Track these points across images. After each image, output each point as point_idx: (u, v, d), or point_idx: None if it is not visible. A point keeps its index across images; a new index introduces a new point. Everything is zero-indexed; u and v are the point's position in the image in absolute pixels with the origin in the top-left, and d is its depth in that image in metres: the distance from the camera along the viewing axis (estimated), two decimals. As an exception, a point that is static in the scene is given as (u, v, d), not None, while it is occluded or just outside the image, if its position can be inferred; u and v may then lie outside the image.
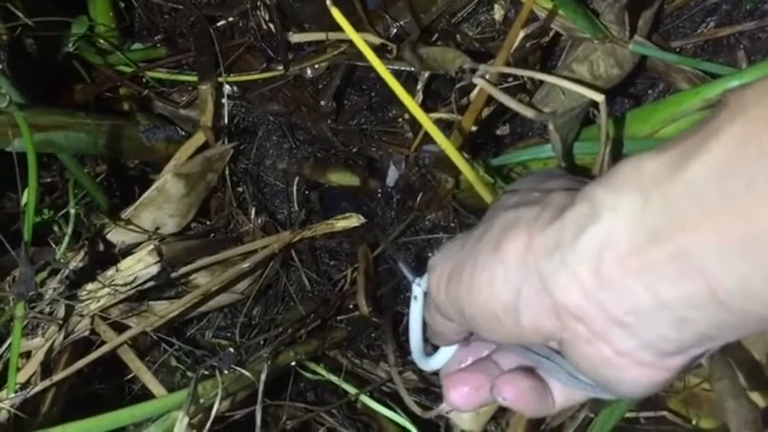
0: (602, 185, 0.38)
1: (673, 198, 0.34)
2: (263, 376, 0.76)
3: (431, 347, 0.58)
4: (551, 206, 0.42)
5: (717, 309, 0.34)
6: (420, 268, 0.56)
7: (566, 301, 0.39)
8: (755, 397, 0.69)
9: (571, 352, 0.42)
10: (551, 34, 0.86)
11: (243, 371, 0.75)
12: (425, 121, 0.73)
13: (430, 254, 0.97)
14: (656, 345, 0.38)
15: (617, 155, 0.80)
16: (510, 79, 0.83)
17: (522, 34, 0.83)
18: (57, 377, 0.74)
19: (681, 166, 0.34)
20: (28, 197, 0.73)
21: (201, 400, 0.72)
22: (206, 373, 0.75)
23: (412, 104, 0.72)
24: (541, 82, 0.84)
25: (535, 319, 0.41)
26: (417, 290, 0.56)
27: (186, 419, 0.66)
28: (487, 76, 0.77)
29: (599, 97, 0.70)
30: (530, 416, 0.79)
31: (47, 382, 0.74)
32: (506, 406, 0.50)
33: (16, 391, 0.74)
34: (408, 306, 0.93)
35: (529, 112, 0.74)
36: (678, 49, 0.89)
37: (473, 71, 0.78)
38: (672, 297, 0.35)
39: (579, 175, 0.52)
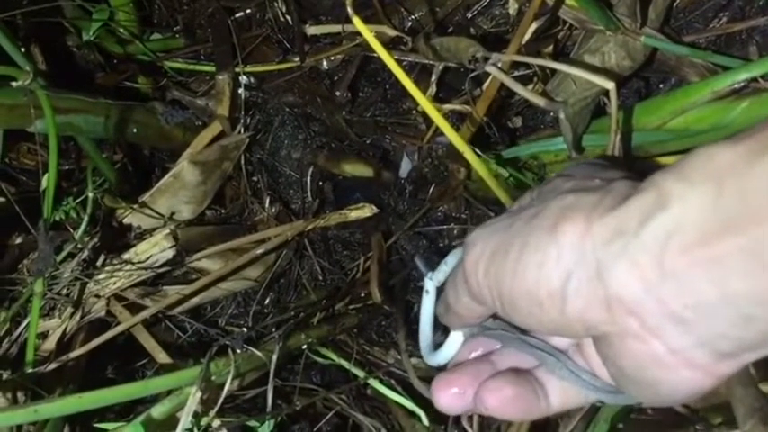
0: (671, 174, 0.36)
1: (749, 189, 0.33)
2: (274, 356, 0.77)
3: (438, 341, 0.56)
4: (614, 193, 0.40)
5: None
6: (433, 262, 0.55)
7: (622, 293, 0.37)
8: (765, 389, 0.68)
9: (614, 347, 0.39)
10: (562, 24, 0.87)
11: (255, 350, 0.76)
12: (435, 115, 0.74)
13: (441, 245, 0.98)
14: (715, 344, 0.36)
15: (626, 146, 0.81)
16: (522, 69, 0.84)
17: (534, 26, 0.84)
18: (73, 353, 0.76)
19: (760, 156, 0.33)
20: (49, 175, 0.74)
21: (213, 378, 0.73)
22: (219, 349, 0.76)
23: (423, 100, 0.73)
24: (553, 73, 0.85)
25: (583, 309, 0.39)
26: (430, 284, 0.55)
27: (199, 394, 0.67)
28: (500, 65, 0.77)
29: (609, 85, 0.70)
30: (519, 420, 0.78)
31: (64, 358, 0.75)
32: (490, 415, 0.48)
33: (34, 368, 0.76)
34: (420, 296, 0.94)
35: (540, 101, 0.75)
36: (690, 44, 0.90)
37: (486, 59, 0.79)
38: (739, 292, 0.33)
39: (639, 166, 0.48)
